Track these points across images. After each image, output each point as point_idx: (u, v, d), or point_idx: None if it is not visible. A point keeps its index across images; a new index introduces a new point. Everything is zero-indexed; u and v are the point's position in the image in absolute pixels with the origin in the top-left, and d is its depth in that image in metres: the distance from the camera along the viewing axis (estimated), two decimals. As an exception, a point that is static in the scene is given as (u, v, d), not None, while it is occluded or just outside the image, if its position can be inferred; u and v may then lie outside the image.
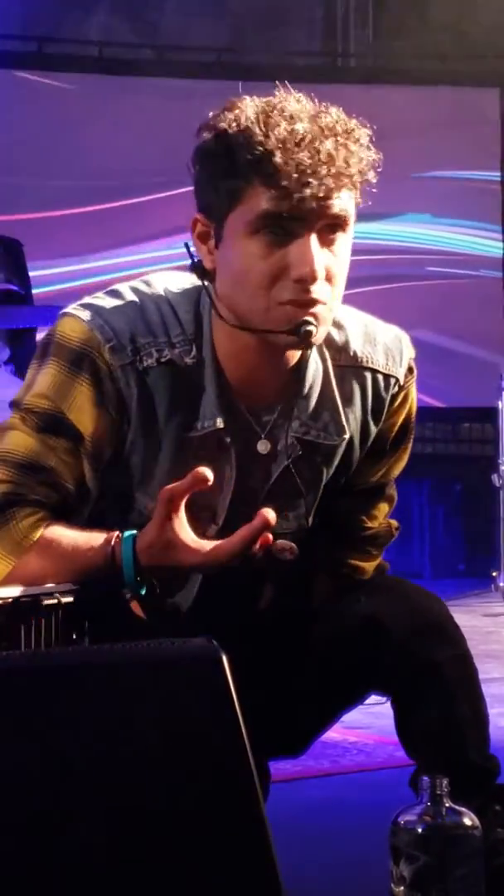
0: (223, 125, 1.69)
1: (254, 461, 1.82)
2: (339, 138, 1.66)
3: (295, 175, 1.63)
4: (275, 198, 1.65)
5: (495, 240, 7.65)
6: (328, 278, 1.70)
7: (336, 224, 1.69)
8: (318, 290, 1.68)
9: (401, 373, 1.88)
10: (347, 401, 1.85)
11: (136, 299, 1.79)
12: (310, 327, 1.68)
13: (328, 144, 1.65)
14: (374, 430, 1.88)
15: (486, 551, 7.07)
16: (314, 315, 1.69)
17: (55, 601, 1.56)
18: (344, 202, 1.68)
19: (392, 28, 7.62)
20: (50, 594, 1.57)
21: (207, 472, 1.63)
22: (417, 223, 7.39)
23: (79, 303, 1.81)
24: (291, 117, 1.67)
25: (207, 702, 1.26)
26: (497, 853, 1.70)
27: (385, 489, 1.98)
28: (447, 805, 1.53)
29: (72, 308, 1.79)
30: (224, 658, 1.28)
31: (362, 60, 7.98)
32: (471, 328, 7.50)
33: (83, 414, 1.73)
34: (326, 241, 1.69)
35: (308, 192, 1.64)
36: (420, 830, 1.51)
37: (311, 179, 1.64)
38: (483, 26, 7.06)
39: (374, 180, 1.71)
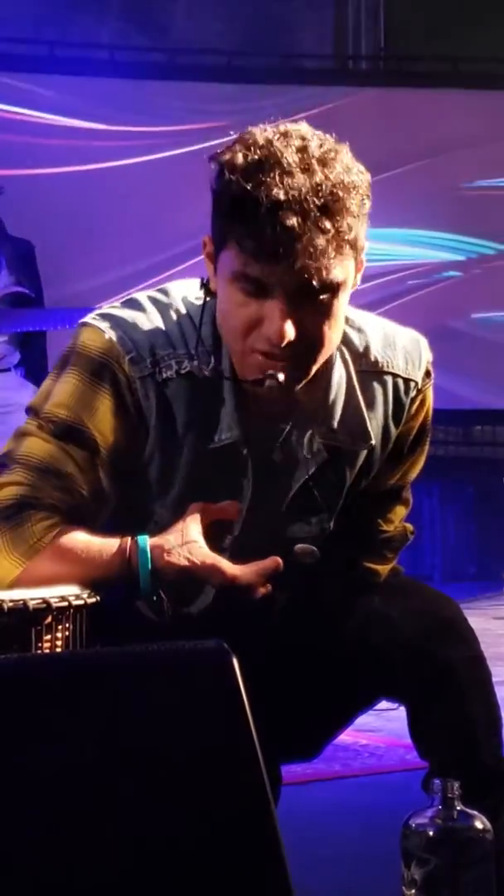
0: (224, 159, 1.66)
1: (274, 469, 1.82)
2: (312, 213, 1.60)
3: (260, 247, 1.61)
4: (244, 262, 1.64)
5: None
6: (307, 337, 1.67)
7: (316, 287, 1.64)
8: (288, 349, 1.66)
9: (419, 376, 1.88)
10: (370, 406, 1.85)
11: (156, 310, 1.79)
12: (271, 382, 1.67)
13: (296, 219, 1.59)
14: (393, 433, 1.89)
15: (497, 554, 7.07)
16: (283, 368, 1.67)
17: (67, 604, 1.56)
18: (320, 270, 1.63)
19: (402, 30, 7.62)
20: (62, 598, 1.57)
21: (241, 507, 1.70)
22: (426, 228, 7.38)
23: (97, 313, 1.80)
24: (276, 178, 1.60)
25: (217, 704, 1.26)
26: None
27: (401, 493, 1.98)
28: (458, 808, 1.52)
29: (91, 319, 1.79)
30: (234, 660, 1.28)
31: (373, 63, 7.98)
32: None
33: (103, 424, 1.73)
34: (309, 301, 1.65)
35: (274, 264, 1.62)
36: (431, 833, 1.51)
37: (277, 256, 1.61)
38: (495, 29, 7.07)
39: (361, 246, 1.68)
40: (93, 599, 1.62)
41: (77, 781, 1.19)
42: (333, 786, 2.87)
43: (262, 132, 1.67)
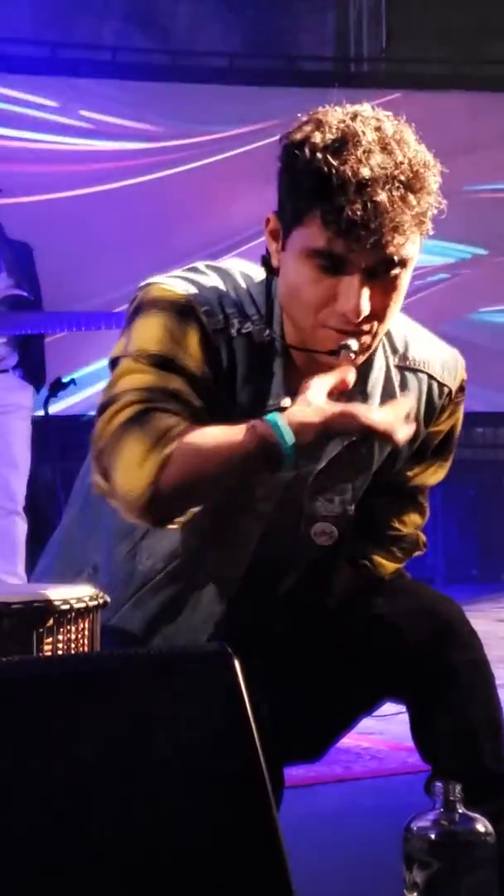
0: (302, 138, 1.69)
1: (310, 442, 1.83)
2: (399, 188, 1.66)
3: (347, 223, 1.64)
4: (332, 240, 1.67)
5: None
6: (374, 313, 1.71)
7: (391, 262, 1.69)
8: (361, 323, 1.71)
9: (454, 385, 1.93)
10: (405, 396, 1.86)
11: (217, 276, 1.82)
12: (346, 353, 1.71)
13: (385, 195, 1.64)
14: (422, 431, 1.91)
15: (499, 556, 7.07)
16: (356, 340, 1.72)
17: (68, 607, 1.56)
18: (400, 246, 1.68)
19: (404, 33, 7.63)
20: (64, 600, 1.56)
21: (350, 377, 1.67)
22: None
23: (160, 277, 1.81)
24: (361, 155, 1.65)
25: (218, 704, 1.26)
26: None
27: (418, 497, 2.01)
28: (460, 811, 1.52)
29: (156, 280, 1.79)
30: (236, 662, 1.28)
31: (374, 66, 7.98)
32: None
33: (195, 357, 1.73)
34: (380, 277, 1.70)
35: (360, 240, 1.65)
36: (433, 837, 1.51)
37: (363, 231, 1.65)
38: (495, 30, 7.07)
39: (431, 224, 1.71)
40: (94, 602, 1.62)
41: (78, 783, 1.19)
42: (335, 789, 2.87)
43: (332, 112, 1.72)
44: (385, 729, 3.20)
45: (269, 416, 1.65)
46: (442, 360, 1.92)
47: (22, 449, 4.71)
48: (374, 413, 1.66)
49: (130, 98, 7.14)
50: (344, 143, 1.66)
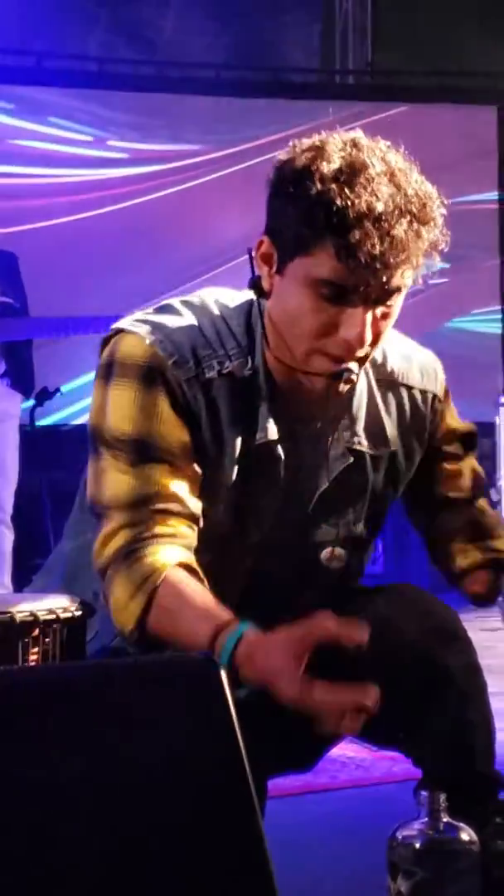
0: (307, 165, 1.67)
1: (303, 470, 1.84)
2: (413, 222, 1.66)
3: (366, 258, 1.63)
4: (340, 271, 1.66)
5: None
6: (373, 339, 1.72)
7: (393, 291, 1.70)
8: (361, 350, 1.72)
9: (438, 390, 1.95)
10: (388, 413, 1.90)
11: (190, 313, 1.82)
12: (351, 375, 1.73)
13: (402, 228, 1.64)
14: (416, 445, 1.94)
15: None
16: (356, 363, 1.73)
17: (54, 617, 1.56)
18: (408, 276, 1.70)
19: (390, 45, 7.65)
20: (50, 610, 1.56)
21: (364, 634, 1.59)
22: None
23: (133, 318, 1.82)
24: (373, 187, 1.65)
25: (205, 715, 1.26)
26: (497, 865, 1.70)
27: (474, 501, 2.03)
28: (445, 820, 1.52)
29: (127, 325, 1.80)
30: (222, 672, 1.28)
31: (360, 78, 8.00)
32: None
33: (169, 426, 1.75)
34: (379, 305, 1.71)
35: (377, 274, 1.65)
36: (418, 846, 1.51)
37: (378, 265, 1.64)
38: (480, 43, 7.10)
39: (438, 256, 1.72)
40: (80, 612, 1.61)
41: (63, 793, 1.19)
42: (320, 798, 2.86)
43: (331, 140, 1.70)
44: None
45: (230, 637, 1.60)
46: (420, 365, 1.94)
47: (10, 458, 4.69)
48: (314, 693, 1.55)
49: (117, 110, 7.14)
50: (353, 174, 1.65)
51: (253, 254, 1.78)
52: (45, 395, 5.15)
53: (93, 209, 7.03)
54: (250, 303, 1.82)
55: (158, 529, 1.71)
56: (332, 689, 1.55)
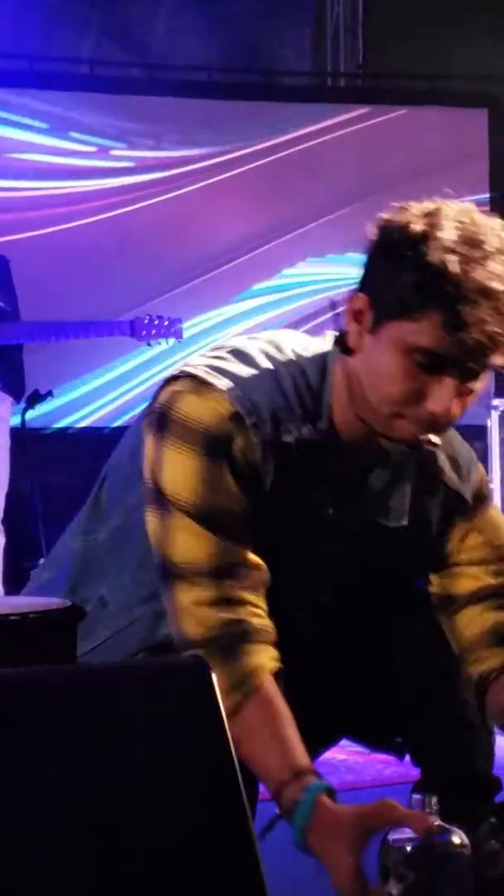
0: (424, 232, 1.65)
1: (347, 530, 1.84)
2: None
3: (475, 334, 1.62)
4: (445, 342, 1.64)
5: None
6: (457, 414, 1.72)
7: (485, 369, 1.69)
8: (442, 424, 1.71)
9: (467, 492, 1.92)
10: (415, 492, 1.87)
11: (271, 367, 1.78)
12: (431, 447, 1.73)
13: None
14: (435, 533, 1.90)
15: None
16: (434, 440, 1.72)
17: (42, 618, 1.56)
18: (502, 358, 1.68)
19: (381, 48, 7.65)
20: (42, 612, 1.56)
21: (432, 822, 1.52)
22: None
23: (208, 365, 1.76)
24: (490, 263, 1.63)
25: (196, 718, 1.25)
26: (491, 865, 1.71)
27: (500, 595, 1.93)
28: (437, 823, 1.52)
29: (203, 372, 1.75)
30: (213, 675, 1.28)
31: (351, 80, 8.00)
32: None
33: (236, 498, 1.71)
34: (468, 381, 1.69)
35: (478, 352, 1.64)
36: (409, 849, 1.50)
37: (486, 343, 1.63)
38: (471, 46, 7.11)
39: None
40: (70, 615, 1.61)
41: (53, 795, 1.19)
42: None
43: (446, 209, 1.68)
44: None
45: (306, 798, 1.57)
46: (454, 460, 1.92)
47: (2, 463, 4.68)
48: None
49: (106, 112, 7.12)
50: (471, 248, 1.63)
51: (340, 308, 1.75)
52: (36, 399, 5.14)
53: (82, 218, 7.00)
54: (324, 356, 1.79)
55: (256, 622, 1.69)
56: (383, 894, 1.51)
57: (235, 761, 1.23)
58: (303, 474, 1.76)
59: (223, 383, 1.73)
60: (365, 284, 1.72)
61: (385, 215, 1.71)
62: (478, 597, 1.91)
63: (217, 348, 1.84)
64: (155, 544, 1.74)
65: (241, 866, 1.20)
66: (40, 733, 1.19)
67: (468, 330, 1.62)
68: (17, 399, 4.82)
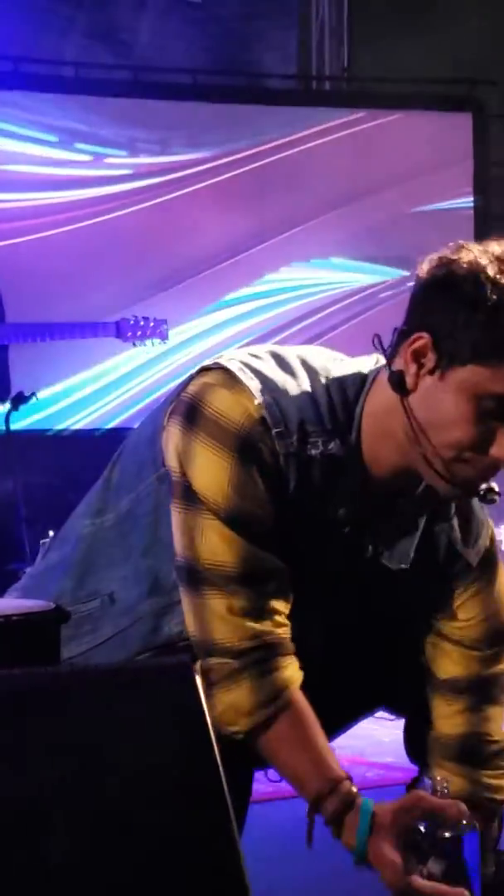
0: (495, 275, 1.62)
1: (358, 558, 1.82)
2: None
3: None
4: None
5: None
6: None
7: None
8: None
9: (472, 556, 1.89)
10: (421, 541, 1.85)
11: (307, 375, 1.75)
12: (494, 496, 1.70)
13: None
14: (441, 585, 1.89)
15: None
16: (495, 488, 1.71)
17: (26, 620, 1.55)
18: None
19: (366, 52, 7.67)
20: (22, 614, 1.56)
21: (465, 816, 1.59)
22: (388, 254, 7.36)
23: (243, 362, 1.74)
24: None
25: (179, 717, 1.26)
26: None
27: (490, 689, 1.92)
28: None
29: (237, 368, 1.73)
30: (197, 676, 1.28)
31: (336, 84, 8.01)
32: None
33: (265, 504, 1.70)
34: None
35: None
36: (446, 835, 1.57)
37: None
38: (454, 50, 7.13)
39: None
40: (58, 614, 1.61)
41: (39, 796, 1.19)
42: (295, 804, 2.85)
43: (499, 250, 1.64)
44: (348, 744, 3.20)
45: (364, 814, 1.62)
46: (466, 524, 1.90)
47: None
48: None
49: (91, 114, 7.11)
50: None
51: (387, 346, 1.72)
52: (20, 400, 5.14)
53: (66, 225, 6.97)
54: (364, 376, 1.76)
55: (283, 632, 1.69)
56: (431, 887, 1.57)
57: (219, 760, 1.23)
58: (326, 489, 1.74)
59: (254, 385, 1.71)
60: (425, 323, 1.67)
61: (446, 253, 1.68)
62: (457, 687, 1.90)
63: (256, 347, 1.82)
64: (179, 540, 1.72)
65: (222, 860, 1.20)
66: (27, 734, 1.19)
67: None
68: (2, 400, 4.81)
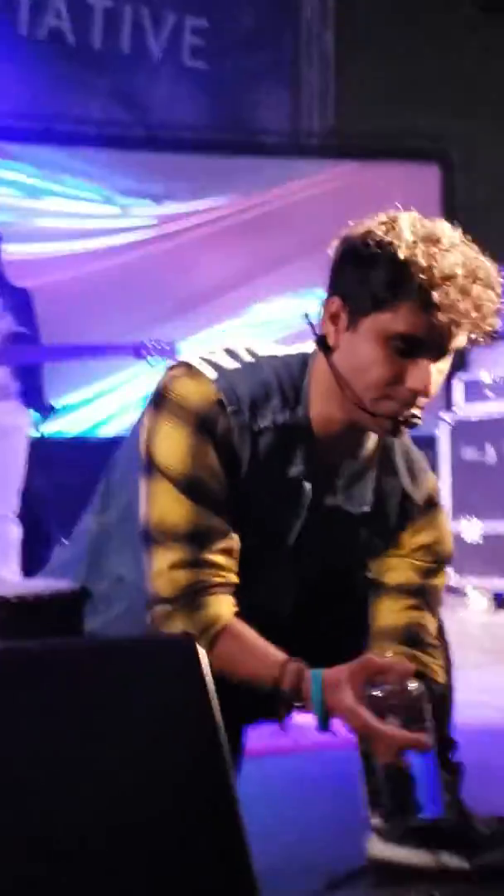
0: (386, 238, 1.67)
1: (322, 510, 1.83)
2: (486, 287, 1.66)
3: (448, 314, 1.63)
4: (420, 326, 1.65)
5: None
6: (433, 390, 1.71)
7: (454, 348, 1.70)
8: (422, 400, 1.71)
9: (418, 496, 1.90)
10: (377, 486, 1.87)
11: (254, 361, 1.79)
12: (416, 420, 1.71)
13: (477, 291, 1.64)
14: (394, 522, 1.89)
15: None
16: (417, 413, 1.71)
17: (49, 600, 1.51)
18: (467, 336, 1.69)
19: (349, 110, 7.70)
20: (44, 594, 1.52)
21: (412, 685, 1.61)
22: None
23: (201, 357, 1.78)
24: (451, 253, 1.65)
25: (183, 692, 1.21)
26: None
27: (429, 598, 1.92)
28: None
29: (196, 362, 1.76)
30: (201, 650, 1.23)
31: (323, 139, 8.02)
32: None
33: (217, 474, 1.72)
34: (440, 359, 1.70)
35: (450, 331, 1.65)
36: (388, 692, 1.59)
37: (457, 322, 1.64)
38: (437, 108, 7.16)
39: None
40: (80, 593, 1.57)
41: (42, 768, 1.13)
42: (284, 761, 2.81)
43: (402, 216, 1.71)
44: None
45: (316, 678, 1.62)
46: (414, 470, 1.91)
47: (19, 466, 4.74)
48: (377, 728, 1.59)
49: (114, 168, 7.12)
50: (433, 242, 1.65)
51: (313, 318, 1.76)
52: (50, 410, 5.19)
53: (84, 264, 6.96)
54: (305, 355, 1.80)
55: (218, 579, 1.69)
56: (394, 729, 1.59)
57: (221, 730, 1.18)
58: (280, 455, 1.76)
59: (211, 373, 1.74)
60: (336, 289, 1.73)
61: (344, 231, 1.74)
62: (403, 589, 1.90)
63: (212, 347, 1.86)
64: (142, 507, 1.74)
65: (224, 829, 1.15)
66: (31, 706, 1.14)
67: (439, 312, 1.63)
68: (41, 413, 4.88)
